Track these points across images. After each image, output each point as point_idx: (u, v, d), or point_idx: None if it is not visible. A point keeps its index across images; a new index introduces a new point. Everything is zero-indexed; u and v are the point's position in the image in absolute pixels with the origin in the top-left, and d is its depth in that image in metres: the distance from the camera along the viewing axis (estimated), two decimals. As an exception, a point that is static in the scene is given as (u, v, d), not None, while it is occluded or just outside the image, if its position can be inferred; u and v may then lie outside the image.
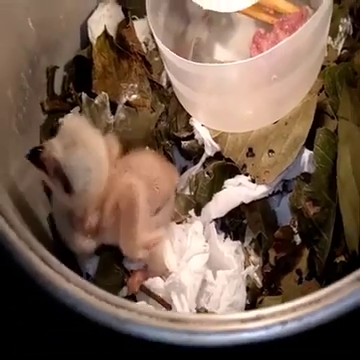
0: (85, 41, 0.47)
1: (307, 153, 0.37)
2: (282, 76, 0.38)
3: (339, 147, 0.36)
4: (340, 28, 0.43)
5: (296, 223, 0.36)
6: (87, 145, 0.33)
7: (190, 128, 0.42)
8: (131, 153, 0.39)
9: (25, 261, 0.26)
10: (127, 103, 0.43)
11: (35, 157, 0.32)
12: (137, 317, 0.23)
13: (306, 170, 0.36)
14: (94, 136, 0.34)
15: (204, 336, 0.22)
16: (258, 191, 0.37)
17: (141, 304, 0.35)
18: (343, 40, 0.43)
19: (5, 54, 0.38)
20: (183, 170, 0.43)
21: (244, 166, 0.39)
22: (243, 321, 0.23)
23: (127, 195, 0.34)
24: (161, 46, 0.39)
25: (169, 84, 0.44)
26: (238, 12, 0.42)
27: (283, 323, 0.21)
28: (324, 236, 0.34)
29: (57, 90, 0.45)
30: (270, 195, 0.39)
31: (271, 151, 0.38)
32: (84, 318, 0.24)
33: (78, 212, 0.34)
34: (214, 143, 0.40)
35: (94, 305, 0.24)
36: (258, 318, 0.23)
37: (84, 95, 0.43)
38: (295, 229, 0.36)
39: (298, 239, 0.36)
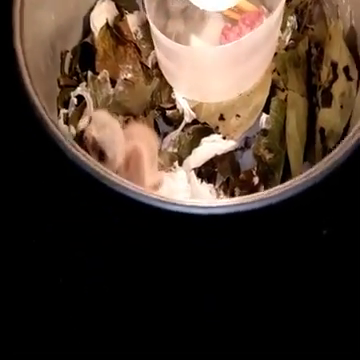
0: (86, 31, 0.57)
1: (264, 116, 0.50)
2: (245, 60, 0.49)
3: (287, 111, 0.49)
4: (288, 23, 0.54)
5: (255, 168, 0.49)
6: (112, 126, 0.47)
7: (172, 100, 0.53)
8: (129, 124, 0.52)
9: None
10: (124, 79, 0.54)
11: (80, 137, 0.47)
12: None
13: (264, 127, 0.49)
14: (114, 120, 0.48)
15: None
16: (228, 145, 0.50)
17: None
18: (290, 33, 0.54)
19: (38, 39, 0.49)
20: (165, 134, 0.54)
21: (217, 128, 0.51)
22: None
23: (134, 155, 0.47)
24: (155, 29, 0.49)
25: (153, 66, 0.55)
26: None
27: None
28: (276, 175, 0.47)
29: (66, 70, 0.56)
30: (235, 150, 0.51)
31: (238, 115, 0.51)
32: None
33: None
34: (192, 112, 0.52)
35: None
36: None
37: (89, 72, 0.54)
38: (254, 173, 0.49)
39: (256, 180, 0.49)
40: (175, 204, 0.37)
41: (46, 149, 0.41)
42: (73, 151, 0.40)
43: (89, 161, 0.39)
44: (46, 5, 0.50)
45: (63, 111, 0.55)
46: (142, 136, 0.50)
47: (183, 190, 0.49)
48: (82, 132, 0.47)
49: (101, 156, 0.46)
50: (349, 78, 0.48)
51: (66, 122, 0.54)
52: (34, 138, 0.43)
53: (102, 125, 0.48)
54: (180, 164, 0.51)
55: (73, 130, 0.53)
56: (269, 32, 0.48)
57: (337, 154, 0.37)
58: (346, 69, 0.48)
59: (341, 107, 0.47)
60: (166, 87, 0.54)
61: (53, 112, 0.54)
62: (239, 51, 0.48)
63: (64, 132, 0.42)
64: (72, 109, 0.55)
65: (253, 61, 0.50)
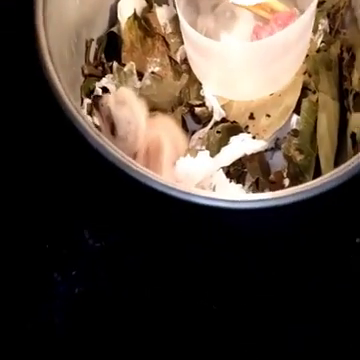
0: (113, 20, 0.59)
1: (295, 117, 0.52)
2: (276, 60, 0.51)
3: (318, 113, 0.51)
4: (319, 26, 0.56)
5: (286, 169, 0.51)
6: (132, 107, 0.49)
7: (201, 98, 0.55)
8: (156, 116, 0.53)
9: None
10: (152, 73, 0.56)
11: (96, 100, 0.48)
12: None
13: (295, 128, 0.51)
14: (139, 103, 0.49)
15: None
16: (258, 145, 0.52)
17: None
18: (322, 36, 0.56)
19: (63, 23, 0.51)
20: (193, 132, 0.56)
21: (246, 127, 0.53)
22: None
23: (155, 143, 0.49)
24: (184, 23, 0.51)
25: (182, 61, 0.57)
26: (242, 7, 0.56)
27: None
28: (306, 177, 0.49)
29: (91, 59, 0.57)
30: (265, 150, 0.53)
31: (268, 115, 0.53)
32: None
33: None
34: (221, 110, 0.54)
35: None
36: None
37: (115, 63, 0.56)
38: (285, 174, 0.51)
39: (287, 182, 0.51)
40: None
41: (69, 137, 0.43)
42: (97, 139, 0.41)
43: (112, 149, 0.41)
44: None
45: (87, 101, 0.56)
46: (167, 129, 0.51)
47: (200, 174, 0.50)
48: (101, 94, 0.48)
49: (112, 130, 0.48)
50: (379, 83, 0.50)
51: (90, 113, 0.55)
52: (57, 126, 0.46)
53: (122, 101, 0.48)
54: (208, 163, 0.53)
55: (97, 121, 0.53)
56: (301, 31, 0.51)
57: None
58: (377, 74, 0.51)
59: (372, 112, 0.50)
60: (195, 83, 0.56)
61: (76, 101, 0.54)
62: (270, 49, 0.50)
63: (88, 121, 0.43)
64: (97, 100, 0.56)
65: (284, 61, 0.52)
